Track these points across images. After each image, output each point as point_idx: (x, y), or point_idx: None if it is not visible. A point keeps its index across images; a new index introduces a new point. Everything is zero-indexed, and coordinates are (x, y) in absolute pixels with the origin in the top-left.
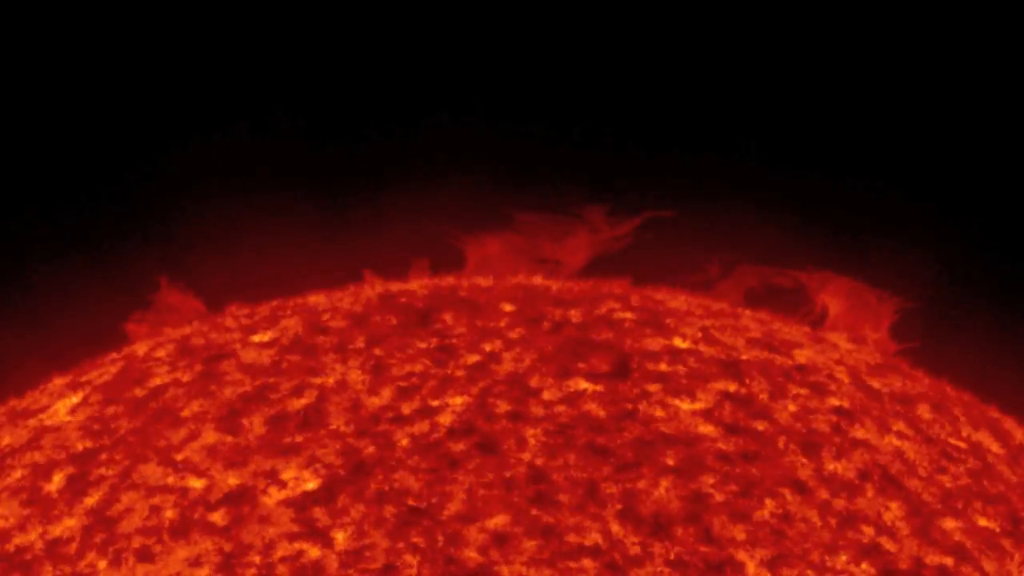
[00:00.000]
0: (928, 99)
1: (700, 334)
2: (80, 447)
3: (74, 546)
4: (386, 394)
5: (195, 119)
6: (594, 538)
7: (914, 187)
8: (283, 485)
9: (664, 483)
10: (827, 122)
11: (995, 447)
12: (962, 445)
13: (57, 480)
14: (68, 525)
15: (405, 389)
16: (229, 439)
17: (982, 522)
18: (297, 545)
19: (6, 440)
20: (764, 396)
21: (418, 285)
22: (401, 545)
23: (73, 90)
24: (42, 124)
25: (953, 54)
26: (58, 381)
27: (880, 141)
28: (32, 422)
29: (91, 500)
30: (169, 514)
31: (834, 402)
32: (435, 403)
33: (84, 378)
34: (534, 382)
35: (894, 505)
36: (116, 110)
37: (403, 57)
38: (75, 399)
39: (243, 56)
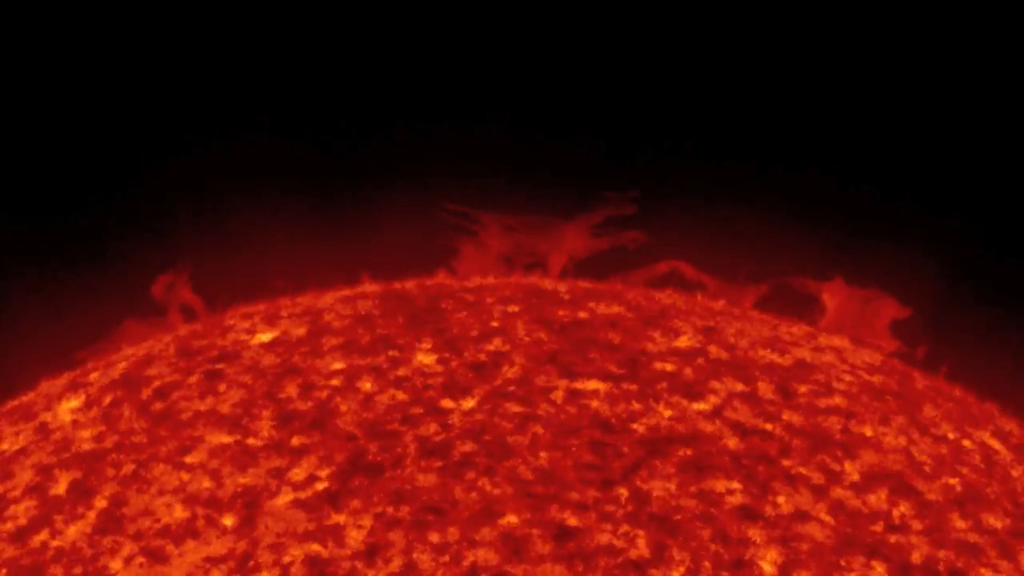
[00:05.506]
0: (928, 99)
1: (703, 334)
2: (85, 448)
3: (86, 548)
4: (394, 394)
5: (195, 119)
6: (607, 538)
7: (915, 187)
8: (294, 486)
9: (675, 483)
10: (828, 122)
11: (998, 446)
12: (967, 444)
13: (64, 481)
14: (78, 527)
15: (413, 389)
16: (237, 440)
17: (991, 521)
18: (311, 545)
19: (9, 441)
20: (770, 396)
21: (420, 285)
22: (416, 545)
23: (72, 91)
24: (41, 124)
25: (953, 54)
26: (59, 382)
27: (881, 141)
28: (34, 423)
29: (100, 501)
30: (180, 515)
31: (839, 402)
32: (443, 404)
33: (85, 379)
34: (541, 382)
35: (904, 504)
36: (116, 110)
37: (403, 58)
38: (77, 400)
39: (242, 56)
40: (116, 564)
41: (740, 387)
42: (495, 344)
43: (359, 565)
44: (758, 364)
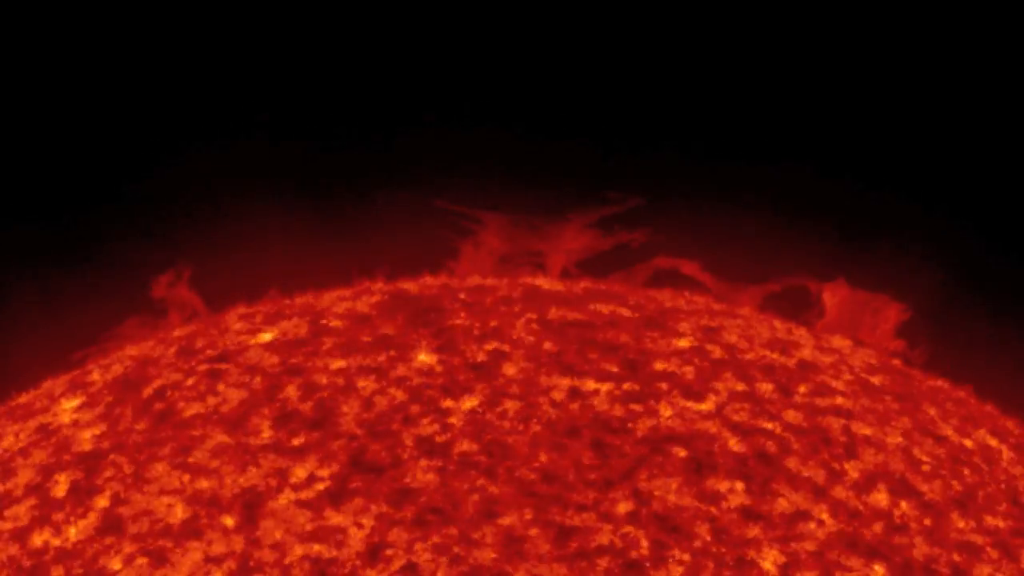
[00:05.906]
0: (929, 99)
1: (704, 334)
2: (86, 448)
3: (86, 548)
4: (394, 394)
5: (195, 120)
6: (608, 537)
7: (914, 187)
8: (295, 486)
9: (676, 483)
10: (828, 122)
11: (998, 446)
12: (967, 444)
13: (65, 482)
14: (80, 527)
15: (413, 389)
16: (238, 440)
17: (992, 521)
18: (312, 545)
19: (9, 441)
20: (771, 396)
21: (421, 285)
22: (417, 545)
23: (73, 91)
24: (42, 125)
25: (953, 54)
26: (60, 382)
27: (881, 142)
28: (35, 423)
29: (101, 501)
30: (181, 516)
31: (840, 402)
32: (443, 403)
33: (86, 379)
34: (542, 382)
35: (904, 504)
36: (117, 111)
37: (402, 60)
38: (78, 400)
39: (243, 57)
40: (116, 564)
41: (740, 387)
42: (495, 344)
43: (360, 565)
44: (758, 364)
